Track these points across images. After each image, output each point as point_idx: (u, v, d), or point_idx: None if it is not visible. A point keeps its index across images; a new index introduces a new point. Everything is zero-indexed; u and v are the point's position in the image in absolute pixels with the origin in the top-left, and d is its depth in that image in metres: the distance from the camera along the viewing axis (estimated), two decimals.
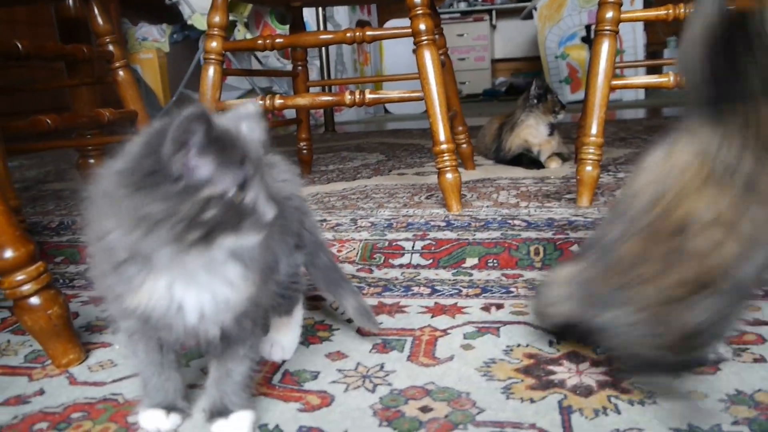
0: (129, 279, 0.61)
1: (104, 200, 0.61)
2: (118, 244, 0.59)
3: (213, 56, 1.66)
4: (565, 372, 0.78)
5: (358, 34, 1.54)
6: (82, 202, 0.64)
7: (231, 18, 4.28)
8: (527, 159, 2.14)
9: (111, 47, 1.68)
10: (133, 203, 0.56)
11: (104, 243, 0.61)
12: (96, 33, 1.68)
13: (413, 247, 1.26)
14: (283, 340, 0.86)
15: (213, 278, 0.63)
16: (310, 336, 0.93)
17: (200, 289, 0.62)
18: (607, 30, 1.46)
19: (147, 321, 0.63)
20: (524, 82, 5.67)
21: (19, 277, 0.82)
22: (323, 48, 3.84)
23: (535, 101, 2.15)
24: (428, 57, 1.50)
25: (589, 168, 1.49)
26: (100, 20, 1.65)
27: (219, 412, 0.69)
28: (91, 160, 1.99)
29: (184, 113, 0.55)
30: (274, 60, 4.49)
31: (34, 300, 0.83)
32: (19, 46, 1.38)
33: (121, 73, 1.71)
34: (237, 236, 0.60)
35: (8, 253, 0.81)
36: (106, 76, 1.76)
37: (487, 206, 1.56)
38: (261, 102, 1.61)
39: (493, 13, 6.21)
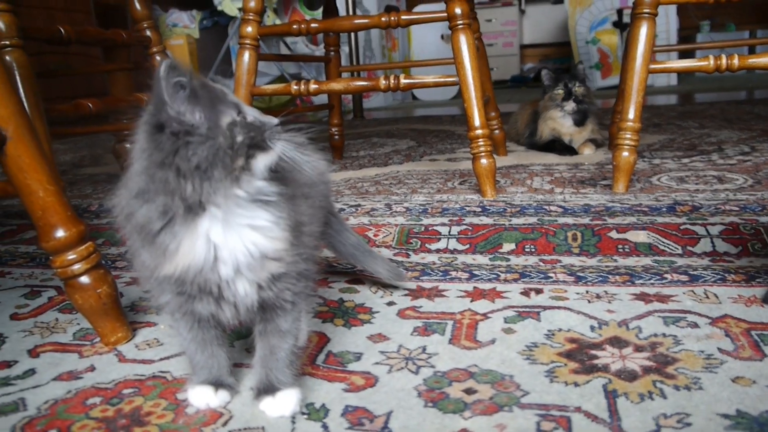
0: (164, 246, 0.63)
1: (136, 179, 0.64)
2: (152, 214, 0.63)
3: (248, 41, 1.67)
4: (608, 357, 0.78)
5: (392, 18, 1.54)
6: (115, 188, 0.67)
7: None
8: (560, 145, 2.12)
9: (149, 32, 1.70)
10: (177, 164, 0.61)
11: (135, 221, 0.64)
12: (134, 18, 1.70)
13: (449, 232, 1.26)
14: None
15: (246, 225, 0.65)
16: (351, 318, 0.94)
17: (235, 236, 0.65)
18: (646, 13, 1.44)
19: (183, 289, 0.66)
20: (553, 68, 5.62)
21: (71, 256, 0.84)
22: (352, 34, 3.84)
23: (544, 93, 2.14)
24: (464, 41, 1.49)
25: (626, 153, 1.48)
26: (138, 5, 1.67)
27: (266, 389, 0.71)
28: (128, 145, 2.01)
29: (162, 76, 0.60)
30: (302, 46, 4.49)
31: (84, 279, 0.85)
32: (62, 30, 1.40)
33: (158, 57, 1.73)
34: (266, 153, 0.65)
35: (60, 233, 0.83)
36: (143, 61, 1.78)
37: (522, 192, 1.56)
38: (295, 87, 1.62)
39: None
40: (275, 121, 0.67)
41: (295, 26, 1.66)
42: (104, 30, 1.59)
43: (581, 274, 1.06)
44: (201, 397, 0.72)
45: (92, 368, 0.82)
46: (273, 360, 0.71)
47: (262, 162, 0.65)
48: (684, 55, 4.45)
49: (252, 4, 1.66)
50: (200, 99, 0.62)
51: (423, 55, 5.11)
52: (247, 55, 1.68)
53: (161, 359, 0.84)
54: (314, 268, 0.79)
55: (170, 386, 0.76)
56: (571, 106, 2.08)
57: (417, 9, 4.94)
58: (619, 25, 4.84)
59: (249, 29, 1.67)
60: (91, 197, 1.83)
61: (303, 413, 0.69)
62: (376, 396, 0.72)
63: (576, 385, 0.72)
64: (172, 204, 0.62)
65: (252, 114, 0.67)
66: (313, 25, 1.65)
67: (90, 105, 1.41)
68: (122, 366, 0.82)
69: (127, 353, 0.86)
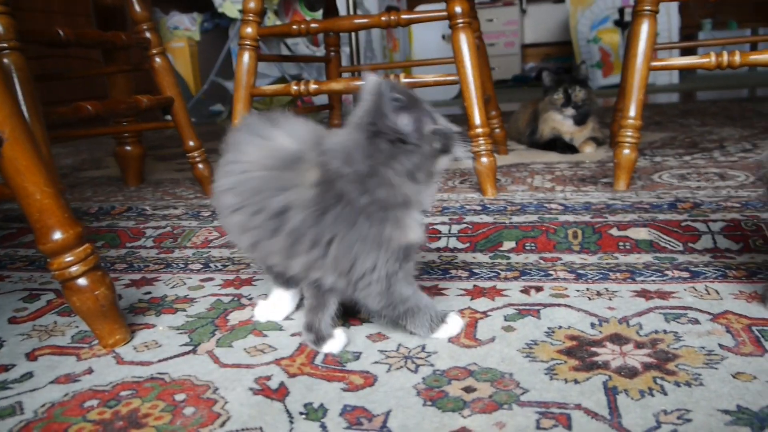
0: (403, 224, 0.79)
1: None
2: (394, 198, 0.77)
3: (248, 42, 1.66)
4: (608, 354, 0.78)
5: (392, 17, 1.53)
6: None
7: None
8: (561, 143, 2.12)
9: (148, 34, 1.70)
10: (394, 167, 0.76)
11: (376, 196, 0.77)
12: (134, 20, 1.70)
13: (450, 230, 1.26)
14: None
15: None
16: (350, 318, 0.93)
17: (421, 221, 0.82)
18: (647, 10, 1.43)
19: (401, 255, 0.79)
20: (554, 67, 5.61)
21: (68, 258, 0.83)
22: (353, 34, 3.84)
23: (543, 94, 2.13)
24: (464, 40, 1.49)
25: (627, 151, 1.47)
26: (137, 7, 1.67)
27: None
28: (128, 147, 2.02)
29: (376, 91, 0.74)
30: (303, 47, 4.49)
31: (82, 281, 0.84)
32: (61, 33, 1.40)
33: (158, 59, 1.72)
34: (447, 156, 0.81)
35: (57, 235, 0.82)
36: (143, 63, 1.78)
37: (522, 190, 1.55)
38: (295, 87, 1.62)
39: None
40: (457, 129, 0.82)
41: (294, 27, 1.65)
42: (103, 32, 1.59)
43: (582, 272, 1.05)
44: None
45: (90, 371, 0.82)
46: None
47: (443, 163, 0.81)
48: (686, 52, 4.44)
49: (252, 5, 1.66)
50: (410, 112, 0.76)
51: (424, 55, 5.11)
52: (247, 56, 1.68)
53: (159, 361, 0.83)
54: None
55: (168, 388, 0.76)
56: (570, 112, 2.08)
57: (418, 9, 4.95)
58: (620, 23, 4.83)
59: (249, 30, 1.67)
60: (92, 200, 1.83)
61: (301, 413, 0.69)
62: (374, 395, 0.72)
63: (576, 382, 0.72)
64: (395, 196, 0.77)
65: (441, 121, 0.80)
66: (312, 25, 1.65)
67: (89, 107, 1.40)
68: (120, 368, 0.82)
69: (125, 355, 0.86)
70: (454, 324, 0.85)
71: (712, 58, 1.41)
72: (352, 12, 3.75)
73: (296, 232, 0.78)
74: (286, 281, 0.92)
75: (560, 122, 2.11)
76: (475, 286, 1.03)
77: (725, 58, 1.39)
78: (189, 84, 4.64)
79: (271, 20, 4.28)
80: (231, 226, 0.85)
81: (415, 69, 4.51)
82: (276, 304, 0.95)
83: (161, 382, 0.78)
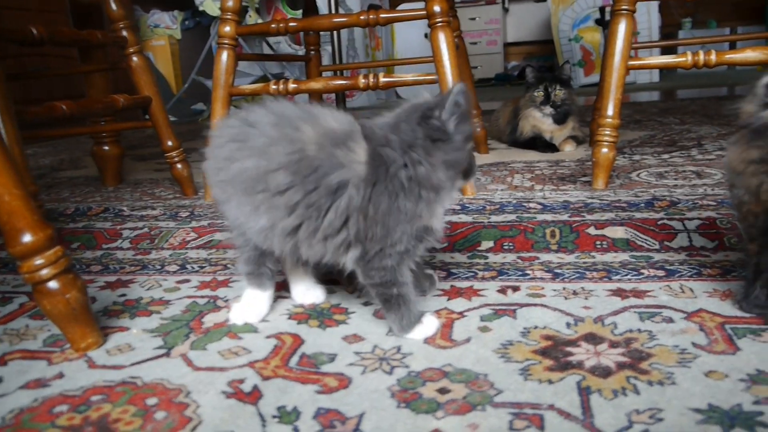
0: (432, 206, 0.85)
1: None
2: (429, 178, 0.83)
3: (226, 41, 1.65)
4: (583, 353, 0.78)
5: (372, 16, 1.53)
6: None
7: (243, 4, 4.27)
8: (541, 142, 2.13)
9: (125, 32, 1.68)
10: (437, 154, 0.83)
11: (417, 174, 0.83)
12: (110, 18, 1.68)
13: None
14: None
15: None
16: (326, 319, 0.93)
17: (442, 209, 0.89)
18: (624, 9, 1.44)
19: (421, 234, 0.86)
20: (537, 66, 5.63)
21: (38, 261, 0.82)
22: (335, 33, 3.82)
23: (525, 92, 2.14)
24: (443, 39, 1.48)
25: (605, 150, 1.48)
26: (113, 5, 1.65)
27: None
28: (106, 147, 2.00)
29: (454, 92, 0.82)
30: (285, 46, 4.48)
31: (53, 284, 0.83)
32: (34, 31, 1.38)
33: (135, 58, 1.71)
34: (466, 177, 0.90)
35: (27, 238, 0.81)
36: (119, 62, 1.76)
37: (502, 189, 1.55)
38: (274, 87, 1.61)
39: None
40: (476, 168, 0.92)
41: (273, 25, 1.64)
42: (79, 30, 1.57)
43: (559, 271, 1.05)
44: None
45: (61, 375, 0.80)
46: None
47: (459, 183, 0.90)
48: (666, 51, 4.47)
49: (230, 4, 1.64)
50: (461, 121, 0.84)
51: (407, 54, 5.11)
52: (225, 55, 1.67)
53: (132, 364, 0.82)
54: None
55: (140, 392, 0.75)
56: (548, 110, 2.09)
57: (400, 8, 4.95)
58: (601, 22, 4.86)
59: (227, 29, 1.66)
60: (69, 200, 1.81)
61: (274, 416, 0.68)
62: (349, 397, 0.72)
63: (550, 382, 0.72)
64: (430, 177, 0.83)
65: (472, 149, 0.89)
66: (291, 24, 1.63)
67: (64, 107, 1.39)
68: (92, 372, 0.81)
69: (97, 359, 0.84)
70: (429, 325, 0.86)
71: (689, 58, 1.41)
72: (333, 11, 3.74)
73: (349, 209, 0.82)
74: (260, 283, 0.92)
75: (540, 120, 2.12)
76: (452, 286, 1.02)
77: (701, 57, 1.40)
78: (170, 82, 4.61)
79: (252, 18, 4.26)
80: (271, 208, 0.83)
81: (398, 68, 4.51)
82: (252, 306, 0.94)
83: (133, 386, 0.77)
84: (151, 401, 0.73)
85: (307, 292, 1.00)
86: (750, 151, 0.81)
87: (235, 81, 1.70)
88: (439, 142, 0.83)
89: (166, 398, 0.73)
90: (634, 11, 1.45)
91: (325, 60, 3.99)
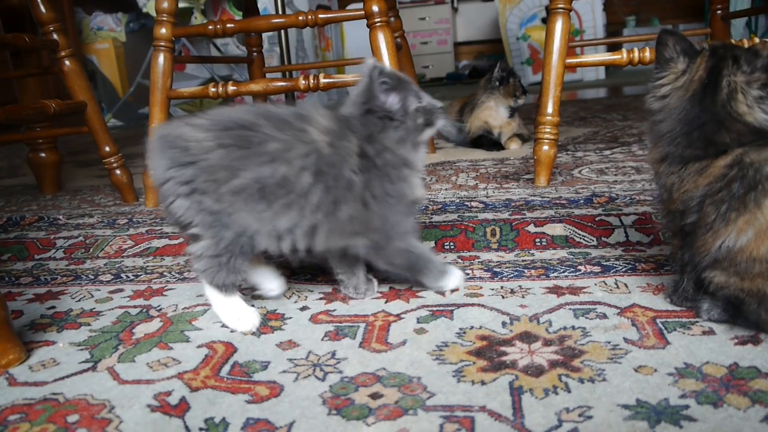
0: (412, 183, 0.93)
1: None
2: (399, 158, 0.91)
3: (163, 43, 1.61)
4: (517, 352, 0.78)
5: (309, 17, 1.51)
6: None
7: (187, 5, 4.20)
8: (488, 141, 2.14)
9: (55, 36, 1.62)
10: (395, 134, 0.90)
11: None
12: (39, 21, 1.62)
13: None
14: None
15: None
16: (262, 326, 0.91)
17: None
18: (560, 8, 1.46)
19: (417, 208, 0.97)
20: (487, 65, 5.68)
21: None
22: (282, 34, 3.79)
23: (497, 83, 2.14)
24: (382, 39, 1.48)
25: (545, 147, 1.49)
26: (42, 8, 1.59)
27: None
28: (42, 154, 1.94)
29: (368, 75, 0.88)
30: (233, 48, 4.42)
31: None
32: None
33: (67, 62, 1.65)
34: (431, 128, 0.95)
35: None
36: (52, 66, 1.70)
37: (446, 189, 1.55)
38: (213, 89, 1.58)
39: None
40: (440, 104, 0.96)
41: (210, 27, 1.61)
42: (4, 34, 1.51)
43: (498, 270, 1.05)
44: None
45: None
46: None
47: (427, 134, 0.95)
48: (611, 48, 4.55)
49: (165, 5, 1.60)
50: (397, 91, 0.89)
51: (357, 54, 5.08)
52: (162, 58, 1.62)
53: (55, 380, 0.79)
54: None
55: (61, 409, 0.72)
56: (523, 99, 2.14)
57: (349, 8, 4.93)
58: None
59: (163, 30, 1.61)
60: (3, 210, 1.74)
61: (201, 429, 0.66)
62: (279, 406, 0.70)
63: (483, 383, 0.71)
64: (397, 157, 0.91)
65: (426, 99, 0.94)
66: (229, 25, 1.60)
67: None
68: (12, 390, 0.77)
69: (18, 376, 0.81)
70: (457, 274, 0.98)
71: (624, 55, 1.44)
72: (280, 11, 3.70)
73: (355, 198, 0.87)
74: (234, 289, 0.92)
75: (495, 111, 2.13)
76: (391, 288, 1.02)
77: (636, 54, 1.43)
78: (116, 86, 4.50)
79: (198, 20, 4.19)
80: (294, 209, 0.86)
81: (348, 68, 4.49)
82: (245, 310, 0.92)
83: (54, 403, 0.73)
84: (72, 418, 0.70)
85: (273, 280, 1.00)
86: (654, 150, 0.83)
87: (182, 84, 1.67)
88: (390, 121, 0.89)
89: (87, 415, 0.70)
90: (570, 10, 1.47)
91: (275, 61, 3.95)
